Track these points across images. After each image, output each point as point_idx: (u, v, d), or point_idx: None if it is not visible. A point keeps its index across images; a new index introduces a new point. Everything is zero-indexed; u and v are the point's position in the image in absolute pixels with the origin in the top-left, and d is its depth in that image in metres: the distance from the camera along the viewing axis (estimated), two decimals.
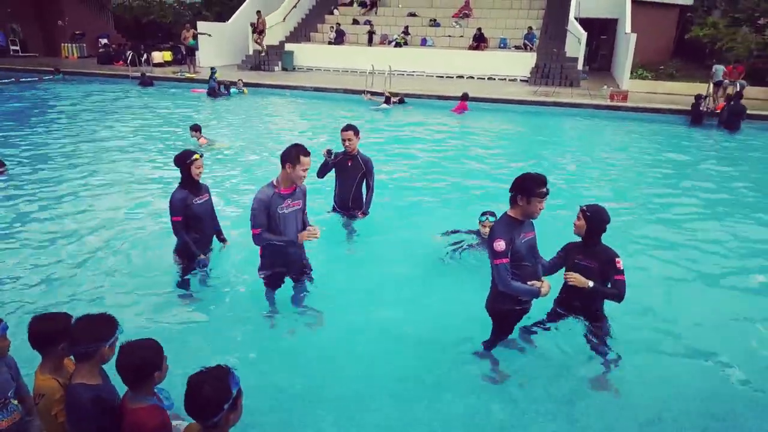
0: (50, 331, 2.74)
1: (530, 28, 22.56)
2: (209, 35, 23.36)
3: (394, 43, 23.33)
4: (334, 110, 16.29)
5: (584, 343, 4.15)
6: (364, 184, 6.17)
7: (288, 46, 24.34)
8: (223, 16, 27.90)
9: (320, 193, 6.87)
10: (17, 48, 26.56)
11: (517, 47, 22.41)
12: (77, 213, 7.07)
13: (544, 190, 3.56)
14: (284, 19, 25.50)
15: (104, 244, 6.12)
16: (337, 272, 5.57)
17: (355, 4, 27.09)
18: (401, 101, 16.90)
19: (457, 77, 22.27)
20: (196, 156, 4.77)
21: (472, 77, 22.16)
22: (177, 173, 4.87)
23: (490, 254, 3.70)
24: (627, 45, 19.11)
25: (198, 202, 4.87)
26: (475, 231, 6.03)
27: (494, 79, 21.89)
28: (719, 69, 18.09)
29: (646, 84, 20.19)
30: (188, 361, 3.87)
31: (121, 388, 2.69)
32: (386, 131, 13.32)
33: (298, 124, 14.90)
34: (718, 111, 15.35)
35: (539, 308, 4.16)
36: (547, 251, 4.13)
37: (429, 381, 4.03)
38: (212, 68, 19.00)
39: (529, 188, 3.56)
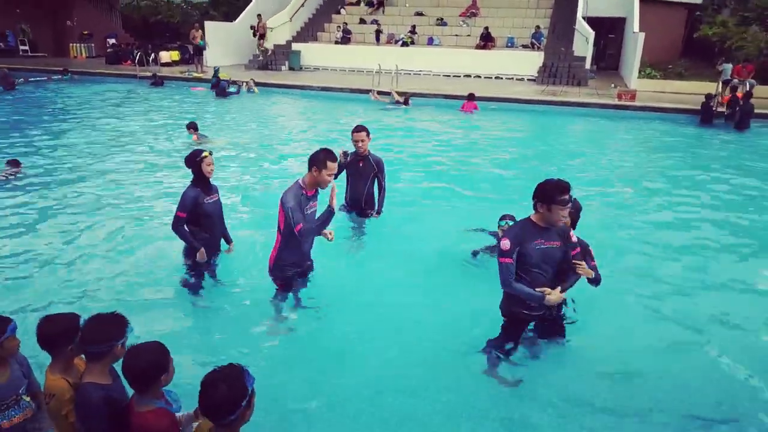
0: (59, 332, 2.75)
1: (538, 27, 22.49)
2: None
3: (401, 42, 23.32)
4: (341, 109, 16.32)
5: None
6: (375, 183, 6.20)
7: (295, 46, 24.38)
8: (230, 16, 27.99)
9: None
10: (26, 48, 26.71)
11: (524, 46, 22.33)
12: (87, 213, 7.10)
13: (566, 197, 3.49)
14: (291, 18, 25.55)
15: (112, 246, 6.15)
16: (346, 271, 5.60)
17: (362, 4, 27.10)
18: (406, 102, 16.83)
19: (464, 76, 22.23)
20: (205, 153, 4.79)
21: (479, 76, 22.12)
22: (186, 173, 4.88)
23: (497, 252, 3.70)
24: (635, 44, 19.01)
25: (209, 201, 4.89)
26: (495, 233, 5.94)
27: (501, 78, 21.84)
28: (727, 68, 17.99)
29: (655, 83, 20.07)
30: (196, 362, 3.93)
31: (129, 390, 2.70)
32: (392, 130, 13.31)
33: (305, 123, 14.92)
34: (724, 102, 15.24)
35: None
36: None
37: (433, 378, 4.04)
38: (215, 68, 19.05)
39: (550, 195, 3.50)
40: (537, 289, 3.68)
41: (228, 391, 2.28)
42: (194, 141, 10.70)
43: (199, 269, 5.08)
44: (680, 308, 5.14)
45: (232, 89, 18.19)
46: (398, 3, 26.85)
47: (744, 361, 4.29)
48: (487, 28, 22.45)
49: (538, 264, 3.70)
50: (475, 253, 5.93)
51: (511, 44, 22.54)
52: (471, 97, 16.20)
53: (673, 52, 24.37)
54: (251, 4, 25.91)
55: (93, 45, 28.06)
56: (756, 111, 14.50)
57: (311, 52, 24.22)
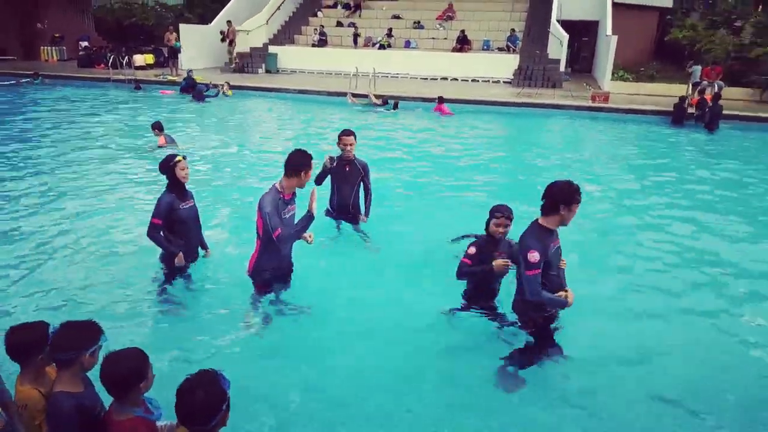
0: (27, 341, 2.69)
1: (513, 30, 22.73)
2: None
3: (378, 45, 23.36)
4: (318, 112, 16.29)
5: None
6: (361, 187, 6.21)
7: (272, 49, 24.26)
8: (205, 18, 27.72)
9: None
10: None
11: (500, 49, 22.57)
12: (57, 220, 6.95)
13: (581, 195, 3.63)
14: (268, 21, 25.40)
15: (86, 252, 6.03)
16: (326, 272, 5.58)
17: (338, 7, 27.09)
18: (385, 103, 16.91)
19: (441, 79, 22.36)
20: (179, 158, 4.72)
21: (456, 79, 22.27)
22: (158, 177, 4.81)
23: (522, 265, 3.65)
24: (608, 47, 19.35)
25: (184, 207, 4.82)
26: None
27: (478, 81, 22.02)
28: (697, 69, 18.45)
29: (627, 85, 20.45)
30: (175, 368, 3.88)
31: (107, 398, 2.65)
32: (370, 133, 13.33)
33: (282, 126, 14.86)
34: (693, 104, 15.61)
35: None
36: None
37: (414, 375, 4.09)
38: (188, 71, 18.88)
39: (571, 196, 3.59)
40: (557, 294, 3.72)
41: (206, 397, 2.27)
42: (159, 144, 10.47)
43: (175, 275, 5.02)
44: (650, 303, 5.24)
45: (210, 93, 18.02)
46: (375, 6, 26.91)
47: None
48: (463, 31, 22.62)
49: (554, 266, 3.76)
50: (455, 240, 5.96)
51: (487, 47, 22.76)
52: (440, 100, 16.34)
53: (645, 55, 24.86)
54: (227, 6, 25.71)
55: (65, 48, 27.51)
56: (725, 112, 14.86)
57: (288, 55, 24.12)
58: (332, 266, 5.79)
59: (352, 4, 26.67)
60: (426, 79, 22.49)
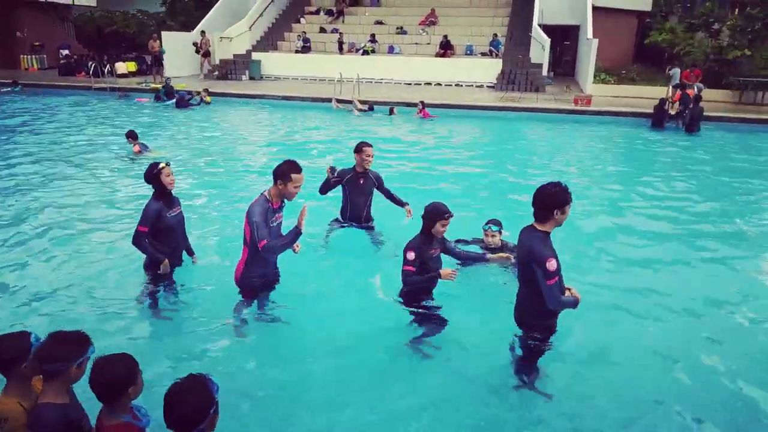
0: (9, 353, 2.65)
1: (495, 35, 22.92)
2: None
3: (361, 51, 23.43)
4: (303, 118, 16.28)
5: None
6: (373, 197, 6.23)
7: (255, 55, 24.21)
8: (188, 26, 27.60)
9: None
10: None
11: (483, 54, 22.74)
12: (41, 228, 6.85)
13: (570, 194, 3.65)
14: (251, 27, 25.37)
15: (70, 260, 5.96)
16: (313, 279, 5.56)
17: (321, 13, 27.12)
18: (371, 108, 16.99)
19: (425, 84, 22.48)
20: (162, 164, 4.69)
21: (440, 84, 22.41)
22: (138, 184, 4.77)
23: (541, 275, 3.54)
24: (589, 50, 19.60)
25: (172, 214, 4.80)
26: (480, 240, 5.79)
27: (461, 85, 22.17)
28: (676, 72, 18.73)
29: (609, 88, 20.66)
30: (163, 374, 3.84)
31: (96, 405, 2.62)
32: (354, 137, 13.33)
33: (266, 132, 14.81)
34: (676, 101, 15.85)
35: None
36: None
37: (402, 375, 4.09)
38: (166, 79, 18.79)
39: (564, 199, 3.61)
40: (566, 295, 3.72)
41: (195, 401, 2.27)
42: (134, 152, 10.46)
43: (161, 281, 4.98)
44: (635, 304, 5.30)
45: (193, 101, 17.93)
46: (358, 12, 27.00)
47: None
48: (446, 36, 22.77)
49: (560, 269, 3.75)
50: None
51: (470, 52, 22.92)
52: (422, 104, 16.45)
53: (625, 58, 25.18)
54: (210, 13, 25.61)
55: (45, 56, 27.25)
56: (704, 114, 15.10)
57: (271, 62, 24.09)
58: (323, 271, 5.78)
59: (334, 10, 26.73)
60: (410, 84, 22.59)
